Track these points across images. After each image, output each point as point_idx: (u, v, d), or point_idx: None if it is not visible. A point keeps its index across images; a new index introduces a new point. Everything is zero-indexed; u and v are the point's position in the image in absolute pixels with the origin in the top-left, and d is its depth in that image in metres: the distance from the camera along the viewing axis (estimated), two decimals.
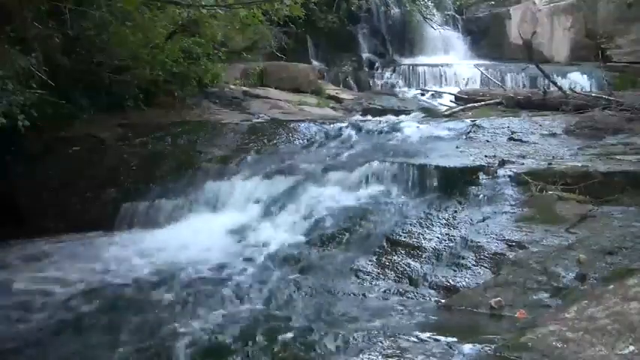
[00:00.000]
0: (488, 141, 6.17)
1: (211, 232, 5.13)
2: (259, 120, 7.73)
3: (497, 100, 8.92)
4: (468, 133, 6.41)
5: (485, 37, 13.22)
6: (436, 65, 11.64)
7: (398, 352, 2.81)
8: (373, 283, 3.99)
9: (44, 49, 5.98)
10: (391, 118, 8.01)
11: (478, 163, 5.26)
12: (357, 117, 8.65)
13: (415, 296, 3.78)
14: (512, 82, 10.62)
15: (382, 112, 9.09)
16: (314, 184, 5.47)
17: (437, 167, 5.26)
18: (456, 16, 13.74)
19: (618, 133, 6.20)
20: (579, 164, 5.03)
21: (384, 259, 4.20)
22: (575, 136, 6.28)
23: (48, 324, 3.69)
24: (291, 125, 7.11)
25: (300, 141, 6.69)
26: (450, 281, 3.84)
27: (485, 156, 5.51)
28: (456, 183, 5.05)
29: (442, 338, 2.93)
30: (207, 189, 5.75)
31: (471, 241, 4.14)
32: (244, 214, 5.39)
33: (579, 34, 12.13)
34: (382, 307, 3.63)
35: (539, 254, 3.77)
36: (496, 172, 5.00)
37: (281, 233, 4.93)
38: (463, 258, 4.00)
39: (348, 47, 12.31)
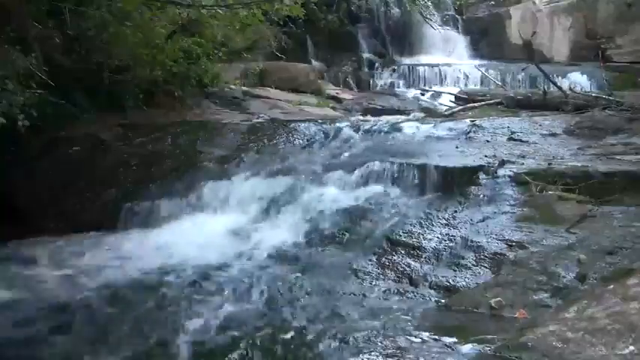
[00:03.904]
0: (488, 141, 6.16)
1: (211, 232, 5.13)
2: (259, 120, 7.72)
3: (497, 100, 8.90)
4: (468, 133, 6.41)
5: (485, 37, 13.19)
6: (436, 65, 11.60)
7: (398, 352, 2.81)
8: (373, 283, 3.99)
9: (44, 49, 5.98)
10: (391, 118, 8.00)
11: (478, 163, 5.27)
12: (357, 117, 8.63)
13: (415, 296, 3.78)
14: (512, 82, 10.61)
15: (382, 112, 9.10)
16: (314, 184, 5.47)
17: (437, 167, 5.26)
18: (456, 16, 13.70)
19: (618, 133, 6.20)
20: (579, 164, 5.03)
21: (384, 259, 4.20)
22: (575, 136, 6.28)
23: (47, 323, 3.68)
24: (291, 125, 7.09)
25: (300, 141, 6.68)
26: (450, 281, 3.84)
27: (485, 156, 5.51)
28: (456, 183, 5.06)
29: (442, 338, 2.93)
30: (207, 189, 5.74)
31: (471, 241, 4.14)
32: (244, 214, 5.39)
33: (579, 34, 12.11)
34: (382, 307, 3.62)
35: (539, 254, 3.77)
36: (496, 172, 5.00)
37: (281, 233, 4.93)
38: (463, 258, 4.00)
39: (348, 47, 12.27)
